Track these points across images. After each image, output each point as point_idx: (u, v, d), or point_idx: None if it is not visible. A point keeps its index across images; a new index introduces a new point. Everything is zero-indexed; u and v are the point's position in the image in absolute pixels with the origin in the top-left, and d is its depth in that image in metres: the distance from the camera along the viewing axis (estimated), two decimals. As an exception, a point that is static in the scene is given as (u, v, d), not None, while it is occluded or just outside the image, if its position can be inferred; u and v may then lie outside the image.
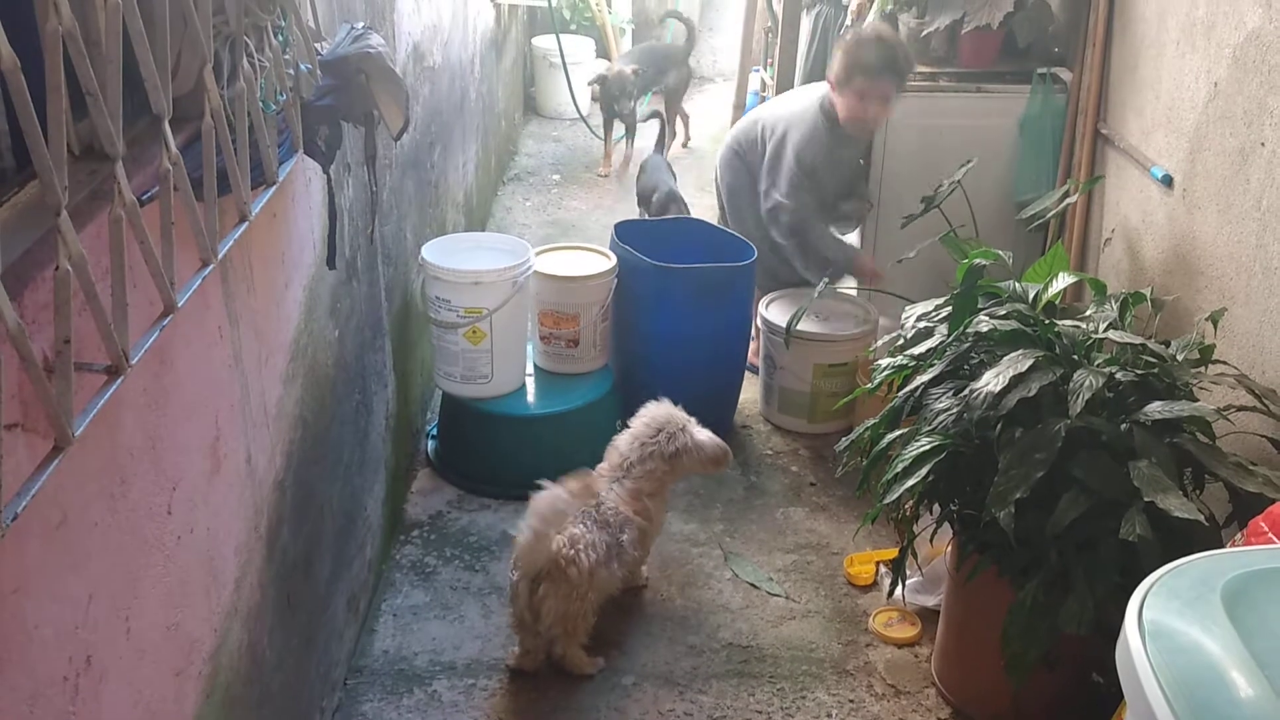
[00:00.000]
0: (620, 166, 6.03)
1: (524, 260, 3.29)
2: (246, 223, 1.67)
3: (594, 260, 3.58)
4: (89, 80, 1.17)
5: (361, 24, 2.20)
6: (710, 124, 6.73)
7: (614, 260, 3.55)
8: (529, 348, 3.55)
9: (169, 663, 1.62)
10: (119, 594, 1.45)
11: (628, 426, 2.93)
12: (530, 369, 3.56)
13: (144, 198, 1.38)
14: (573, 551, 2.57)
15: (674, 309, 3.51)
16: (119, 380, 1.27)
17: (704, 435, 2.89)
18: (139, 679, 1.52)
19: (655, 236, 3.72)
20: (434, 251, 3.28)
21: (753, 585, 3.06)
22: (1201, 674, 1.24)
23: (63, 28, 1.11)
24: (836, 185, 3.83)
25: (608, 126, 6.03)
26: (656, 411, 2.91)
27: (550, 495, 2.54)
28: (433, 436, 3.62)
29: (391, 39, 3.04)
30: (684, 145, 6.41)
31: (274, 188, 1.79)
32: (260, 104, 1.68)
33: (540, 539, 2.53)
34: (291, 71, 1.83)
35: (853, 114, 3.57)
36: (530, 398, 3.48)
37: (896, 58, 3.50)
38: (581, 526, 2.63)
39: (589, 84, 5.99)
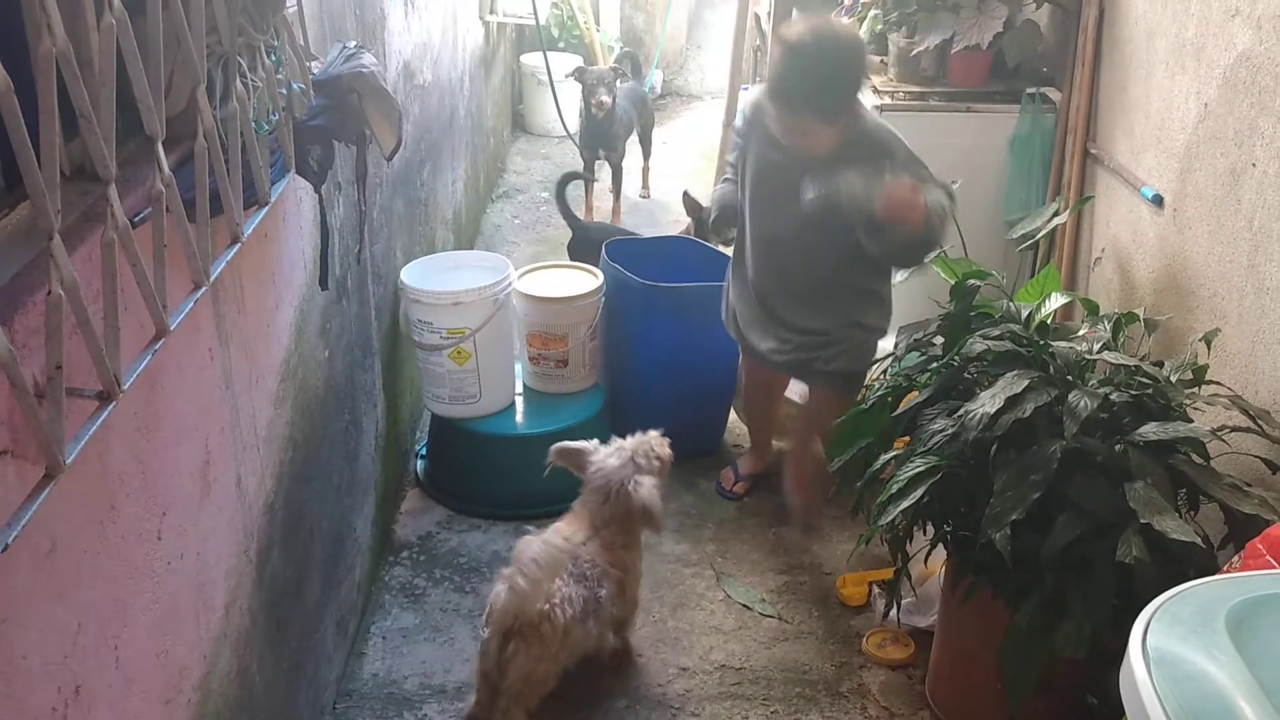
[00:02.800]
0: (611, 219, 5.51)
1: (504, 278, 3.27)
2: (239, 244, 1.66)
3: (582, 279, 3.56)
4: (82, 102, 1.15)
5: (354, 43, 2.19)
6: (699, 141, 6.74)
7: (601, 279, 3.54)
8: (518, 367, 3.53)
9: (158, 691, 1.59)
10: (108, 622, 1.43)
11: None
12: (519, 388, 3.54)
13: (136, 220, 1.36)
14: (547, 607, 2.40)
15: (663, 327, 3.50)
16: (111, 406, 1.25)
17: (643, 491, 2.63)
18: (128, 708, 1.49)
19: (645, 255, 3.71)
20: (413, 274, 3.25)
21: (745, 606, 3.04)
22: (1208, 702, 1.23)
23: (56, 49, 1.10)
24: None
25: (588, 173, 5.47)
26: (596, 480, 2.68)
27: (543, 544, 2.38)
28: (422, 456, 3.60)
29: (382, 57, 3.03)
30: (641, 195, 5.97)
31: (266, 208, 1.78)
32: (253, 124, 1.67)
33: (529, 593, 2.34)
34: (284, 91, 1.81)
35: (781, 136, 2.79)
36: (520, 417, 3.46)
37: (814, 86, 2.61)
38: (557, 581, 2.45)
39: (566, 75, 5.60)
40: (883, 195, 2.59)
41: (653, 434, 2.80)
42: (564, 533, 2.55)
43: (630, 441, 2.75)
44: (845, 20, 2.84)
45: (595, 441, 2.80)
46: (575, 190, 5.75)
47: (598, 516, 2.64)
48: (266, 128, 1.74)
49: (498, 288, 3.22)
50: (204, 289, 1.53)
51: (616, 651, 2.79)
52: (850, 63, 2.68)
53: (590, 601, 2.50)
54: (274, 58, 1.75)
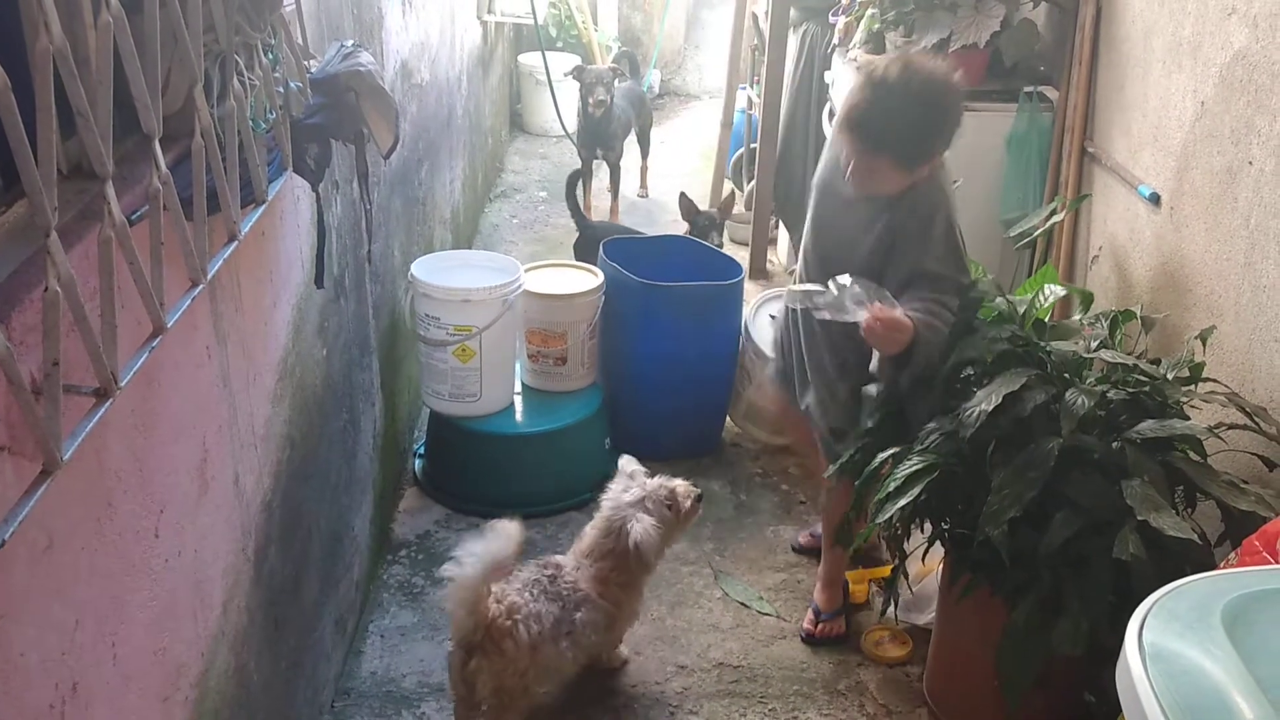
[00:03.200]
0: (609, 218, 5.45)
1: (515, 278, 3.28)
2: (236, 242, 1.66)
3: (581, 278, 3.57)
4: (79, 100, 1.15)
5: (351, 42, 2.19)
6: (697, 140, 6.74)
7: (601, 278, 3.54)
8: (517, 366, 3.53)
9: (156, 688, 1.59)
10: (106, 619, 1.43)
11: (615, 448, 2.84)
12: (518, 387, 3.55)
13: (133, 217, 1.36)
14: (509, 623, 2.31)
15: (662, 327, 3.51)
16: (108, 403, 1.25)
17: (637, 529, 2.52)
18: (125, 706, 1.49)
19: (643, 254, 3.71)
20: (424, 269, 3.27)
21: (743, 604, 3.04)
22: (1204, 697, 1.24)
23: (53, 47, 1.10)
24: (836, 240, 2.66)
25: (586, 173, 5.49)
26: (605, 509, 2.61)
27: (497, 538, 2.26)
28: (420, 455, 3.60)
29: (380, 56, 3.03)
30: (639, 195, 6.01)
31: (263, 206, 1.78)
32: (250, 122, 1.67)
33: (469, 590, 2.24)
34: (281, 90, 1.81)
35: (850, 173, 2.48)
36: (519, 416, 3.46)
37: (886, 124, 2.35)
38: (526, 595, 2.37)
39: (566, 74, 5.61)
40: (867, 318, 2.34)
41: (680, 483, 2.67)
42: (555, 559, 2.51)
43: (653, 482, 2.65)
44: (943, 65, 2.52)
45: (637, 469, 2.69)
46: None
47: (598, 546, 2.58)
48: (264, 126, 1.74)
49: (508, 288, 3.23)
50: (201, 287, 1.53)
51: (607, 669, 2.77)
52: (948, 110, 2.42)
53: (563, 622, 2.41)
54: (271, 56, 1.75)
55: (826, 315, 2.43)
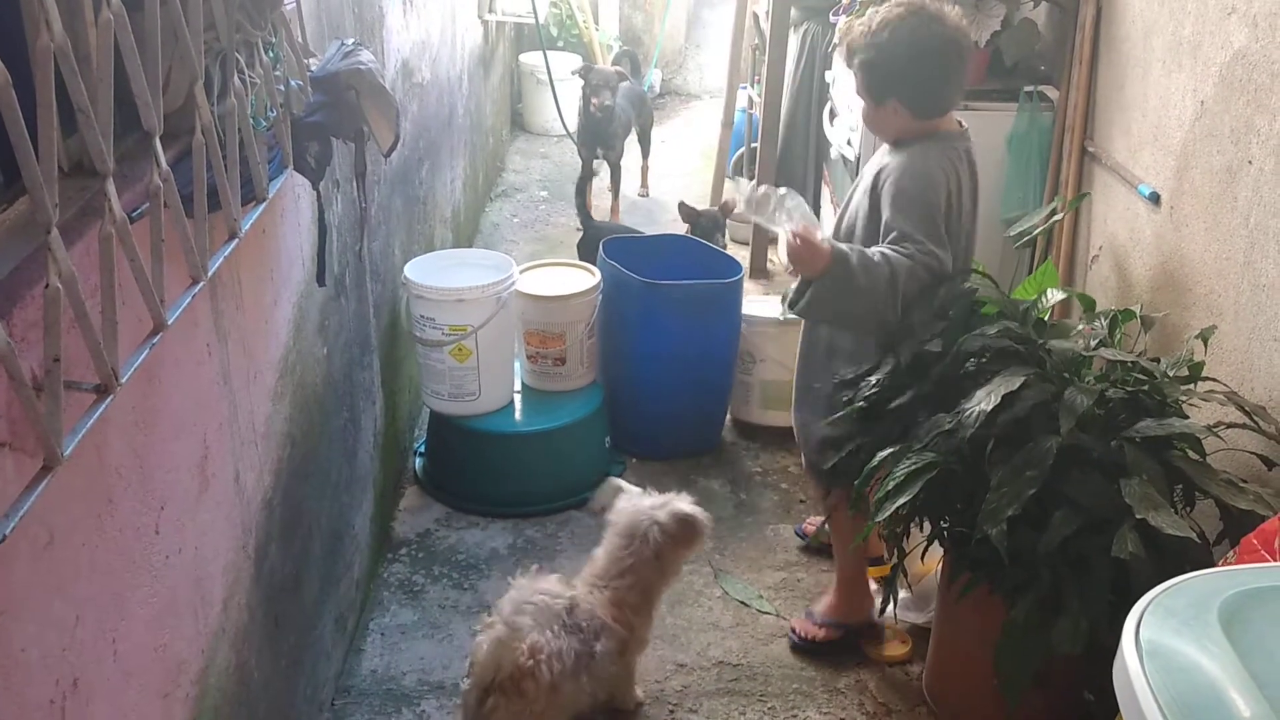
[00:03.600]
0: (610, 218, 5.46)
1: (508, 276, 3.28)
2: (237, 239, 1.66)
3: (579, 277, 3.57)
4: (81, 97, 1.16)
5: (352, 40, 2.19)
6: (698, 140, 6.75)
7: (599, 277, 3.54)
8: (516, 365, 3.54)
9: (156, 685, 1.60)
10: (106, 615, 1.43)
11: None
12: (518, 386, 3.55)
13: (133, 215, 1.37)
14: (531, 662, 2.19)
15: (661, 325, 3.51)
16: (109, 399, 1.26)
17: (667, 521, 2.48)
18: (126, 702, 1.50)
19: (643, 253, 3.72)
20: (417, 270, 3.27)
21: (743, 603, 3.04)
22: (1200, 694, 1.24)
23: (54, 44, 1.10)
24: None
25: (586, 175, 5.28)
26: (622, 519, 2.52)
27: (534, 593, 2.24)
28: (420, 454, 3.60)
29: (381, 55, 3.04)
30: (640, 194, 5.99)
31: (264, 204, 1.78)
32: (251, 120, 1.67)
33: (506, 642, 2.19)
34: (282, 88, 1.82)
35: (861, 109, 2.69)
36: (518, 415, 3.47)
37: (864, 47, 2.51)
38: (547, 633, 2.24)
39: (572, 73, 5.62)
40: (790, 231, 2.42)
41: (684, 502, 2.56)
42: (560, 585, 2.37)
43: (662, 496, 2.56)
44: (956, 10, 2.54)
45: (633, 488, 2.62)
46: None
47: (615, 565, 2.45)
48: (264, 124, 1.74)
49: (500, 286, 3.23)
50: (201, 284, 1.53)
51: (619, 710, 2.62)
52: (954, 58, 2.51)
53: (584, 656, 2.30)
54: (272, 54, 1.76)
55: (756, 219, 2.57)
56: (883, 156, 2.61)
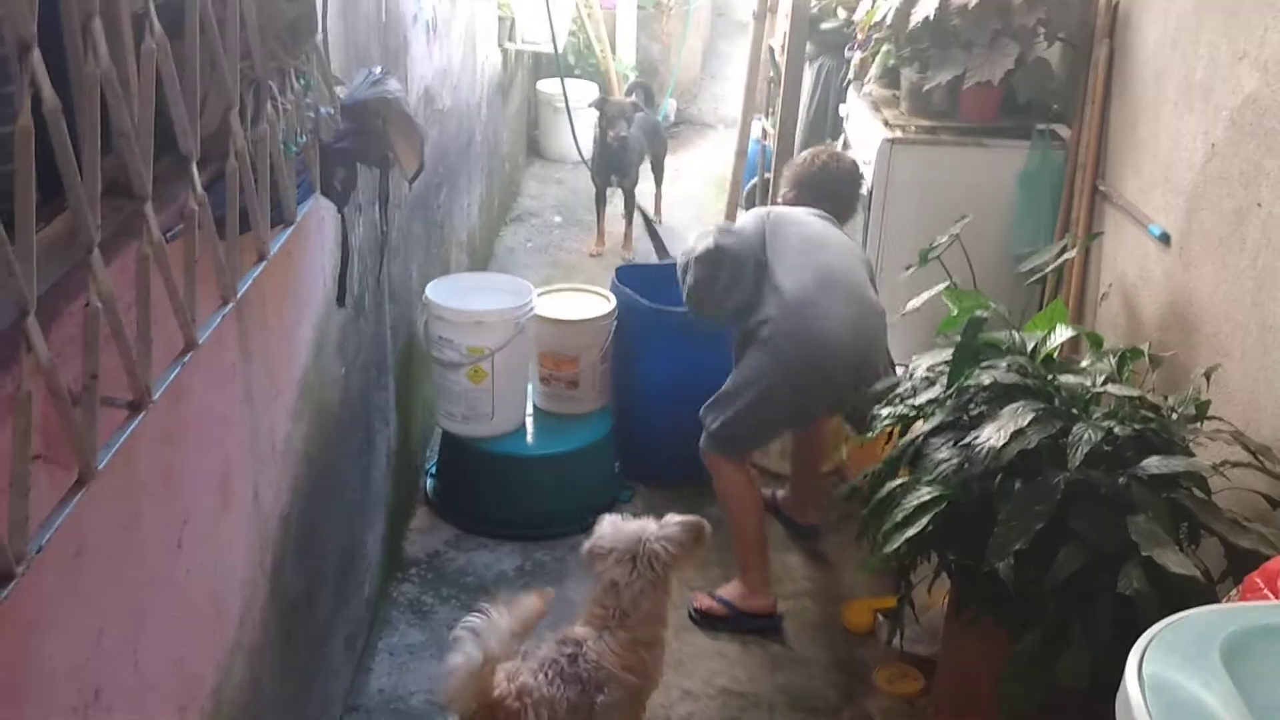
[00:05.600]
0: (623, 245, 5.63)
1: (526, 301, 3.32)
2: (265, 261, 1.70)
3: (594, 302, 3.61)
4: (124, 122, 1.20)
5: (380, 69, 2.24)
6: (711, 169, 6.80)
7: (614, 302, 3.58)
8: (529, 388, 3.57)
9: (174, 697, 1.62)
10: (129, 627, 1.46)
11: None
12: (530, 409, 3.58)
13: (168, 235, 1.40)
14: (517, 704, 2.08)
15: (672, 351, 3.54)
16: (141, 415, 1.29)
17: (669, 529, 2.42)
18: (145, 713, 1.52)
19: (656, 279, 3.75)
20: (438, 291, 3.31)
21: (749, 631, 3.06)
22: (1201, 728, 1.26)
23: (100, 71, 1.14)
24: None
25: (600, 200, 5.62)
26: (619, 545, 2.39)
27: (498, 621, 2.07)
28: (432, 475, 3.63)
29: (404, 82, 3.09)
30: (654, 221, 5.84)
31: (292, 227, 1.82)
32: (281, 146, 1.72)
33: (475, 674, 2.04)
34: (311, 115, 1.86)
35: None
36: (530, 438, 3.50)
37: (837, 191, 3.31)
38: (540, 677, 2.15)
39: (589, 105, 5.74)
40: None
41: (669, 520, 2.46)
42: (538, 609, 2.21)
43: (637, 523, 2.46)
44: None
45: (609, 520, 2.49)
46: (590, 215, 5.81)
47: (625, 594, 2.32)
48: (294, 149, 1.78)
49: (520, 310, 3.28)
50: (231, 304, 1.57)
51: None
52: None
53: (580, 708, 2.18)
54: (303, 82, 1.80)
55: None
56: None
